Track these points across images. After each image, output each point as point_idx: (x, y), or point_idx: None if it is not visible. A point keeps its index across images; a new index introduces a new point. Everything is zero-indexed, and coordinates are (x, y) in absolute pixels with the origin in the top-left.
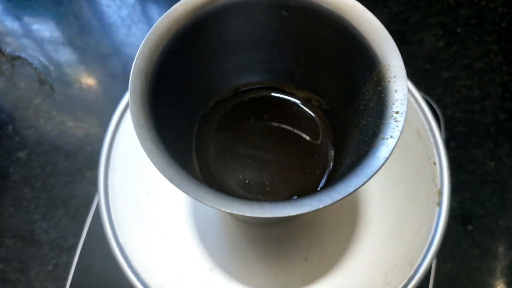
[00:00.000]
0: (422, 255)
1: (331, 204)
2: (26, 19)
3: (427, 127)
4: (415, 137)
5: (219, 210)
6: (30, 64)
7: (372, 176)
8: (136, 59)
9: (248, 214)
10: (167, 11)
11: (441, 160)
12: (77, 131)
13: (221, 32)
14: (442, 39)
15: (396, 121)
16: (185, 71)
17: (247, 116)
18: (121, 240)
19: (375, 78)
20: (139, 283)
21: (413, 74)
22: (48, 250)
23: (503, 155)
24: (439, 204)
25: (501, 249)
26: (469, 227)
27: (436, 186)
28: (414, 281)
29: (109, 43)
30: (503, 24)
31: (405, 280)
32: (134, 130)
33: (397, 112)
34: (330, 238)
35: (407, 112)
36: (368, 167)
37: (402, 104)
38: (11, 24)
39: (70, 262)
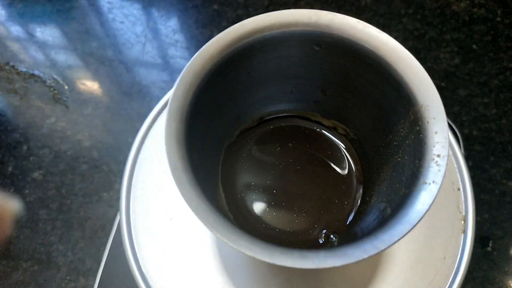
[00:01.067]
0: (448, 283)
1: (375, 254)
2: (39, 35)
3: (450, 152)
4: None
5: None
6: (44, 82)
7: (416, 224)
8: (171, 100)
9: (289, 265)
10: (200, 50)
11: (465, 186)
12: (92, 151)
13: (250, 67)
14: (457, 56)
15: (437, 164)
16: (215, 106)
17: (272, 144)
18: (143, 268)
19: (412, 117)
20: None
21: None
22: (65, 274)
23: None
24: (464, 231)
25: None
26: (488, 248)
27: (460, 212)
28: None
29: (123, 61)
30: None
31: None
32: (170, 172)
33: (438, 156)
34: (356, 267)
35: (448, 156)
36: (411, 214)
37: (443, 147)
38: (25, 41)
39: (88, 286)
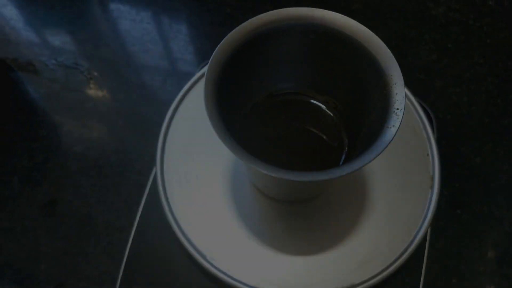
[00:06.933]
0: (418, 227)
1: (350, 173)
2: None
3: (421, 126)
4: (411, 134)
5: (266, 174)
6: (81, 71)
7: (382, 151)
8: (207, 70)
9: (286, 177)
10: (228, 35)
11: (433, 152)
12: (126, 133)
13: (267, 48)
14: (435, 52)
15: (397, 115)
16: (239, 77)
17: (279, 114)
18: (175, 213)
19: (381, 85)
20: (192, 248)
21: (410, 83)
22: (103, 229)
23: (487, 152)
24: (431, 187)
25: (485, 230)
26: (458, 211)
27: (429, 173)
28: (411, 248)
29: (131, 64)
30: (488, 41)
31: (405, 246)
32: (208, 121)
33: (398, 109)
34: (343, 213)
35: (404, 109)
36: (378, 146)
37: (400, 103)
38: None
39: (122, 239)
